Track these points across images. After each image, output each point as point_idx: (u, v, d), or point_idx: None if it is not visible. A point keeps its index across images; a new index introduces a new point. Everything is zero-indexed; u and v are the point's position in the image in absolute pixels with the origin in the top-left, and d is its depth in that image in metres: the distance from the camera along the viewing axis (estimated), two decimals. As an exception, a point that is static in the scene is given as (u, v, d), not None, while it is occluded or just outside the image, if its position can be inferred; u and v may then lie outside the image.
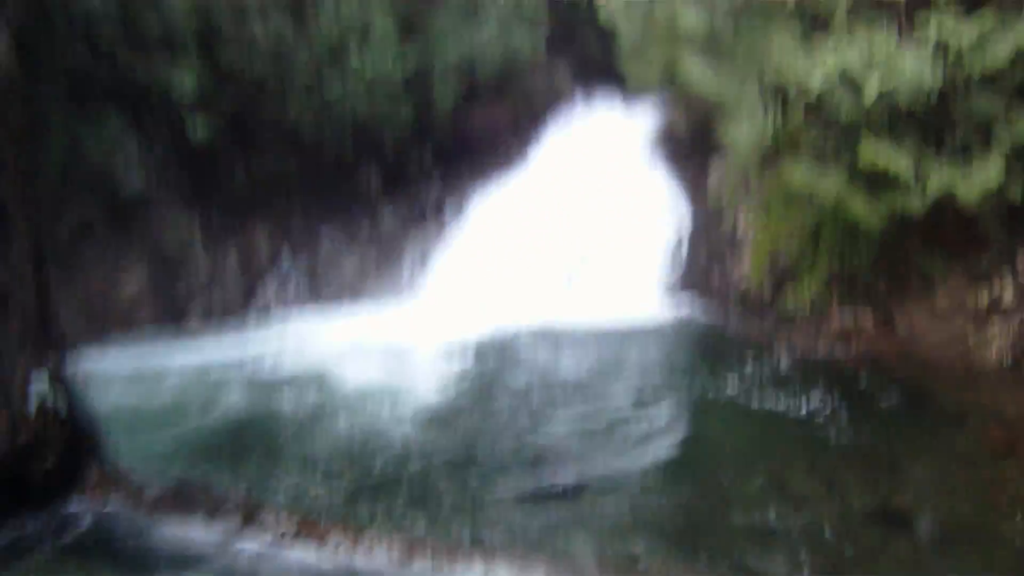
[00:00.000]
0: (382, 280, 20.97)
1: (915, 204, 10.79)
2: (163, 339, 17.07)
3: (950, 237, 11.90)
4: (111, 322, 17.41)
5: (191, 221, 19.62)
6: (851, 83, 10.74)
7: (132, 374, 13.93)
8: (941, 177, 10.42)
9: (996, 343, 10.99)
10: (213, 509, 7.41)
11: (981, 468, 8.30)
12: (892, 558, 6.86)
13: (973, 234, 11.42)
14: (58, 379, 7.58)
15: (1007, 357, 10.79)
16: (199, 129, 18.68)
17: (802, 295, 13.89)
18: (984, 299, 11.39)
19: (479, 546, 7.06)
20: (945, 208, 10.76)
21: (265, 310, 19.83)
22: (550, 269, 19.30)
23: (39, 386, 7.53)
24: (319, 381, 13.07)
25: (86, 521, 7.28)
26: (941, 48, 10.06)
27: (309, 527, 7.03)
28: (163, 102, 18.45)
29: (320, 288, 20.82)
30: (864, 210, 11.53)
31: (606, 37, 23.45)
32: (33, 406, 7.48)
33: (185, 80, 18.20)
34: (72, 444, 7.68)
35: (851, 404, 10.25)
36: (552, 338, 15.38)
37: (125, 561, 6.83)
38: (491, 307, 17.62)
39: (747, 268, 15.83)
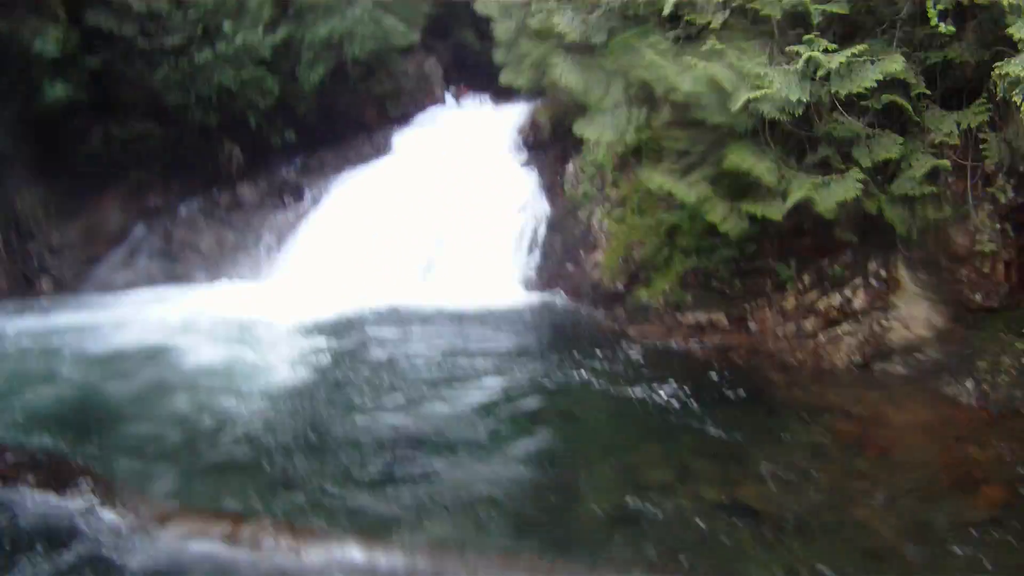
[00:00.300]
0: (238, 259, 20.62)
1: (774, 211, 11.10)
2: (11, 307, 16.50)
3: (805, 242, 12.35)
4: None
5: (43, 186, 19.05)
6: (720, 91, 10.95)
7: None
8: (801, 188, 10.74)
9: (845, 344, 11.43)
10: (70, 483, 7.24)
11: (830, 461, 8.57)
12: (746, 546, 7.02)
13: (828, 240, 11.85)
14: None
15: (856, 358, 11.23)
16: (56, 90, 18.07)
17: (656, 290, 14.20)
18: (835, 302, 11.84)
19: (331, 528, 7.02)
20: (802, 215, 11.12)
21: (115, 282, 19.23)
22: (409, 254, 19.20)
23: None
24: (166, 354, 12.77)
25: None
26: (810, 68, 10.39)
27: (161, 509, 7.02)
28: (19, 60, 17.74)
29: (173, 263, 20.41)
30: (723, 214, 11.82)
31: (482, 30, 23.57)
32: None
33: (47, 41, 17.54)
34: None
35: (701, 396, 10.47)
36: (408, 320, 15.35)
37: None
38: (348, 289, 17.45)
39: (601, 260, 16.09)
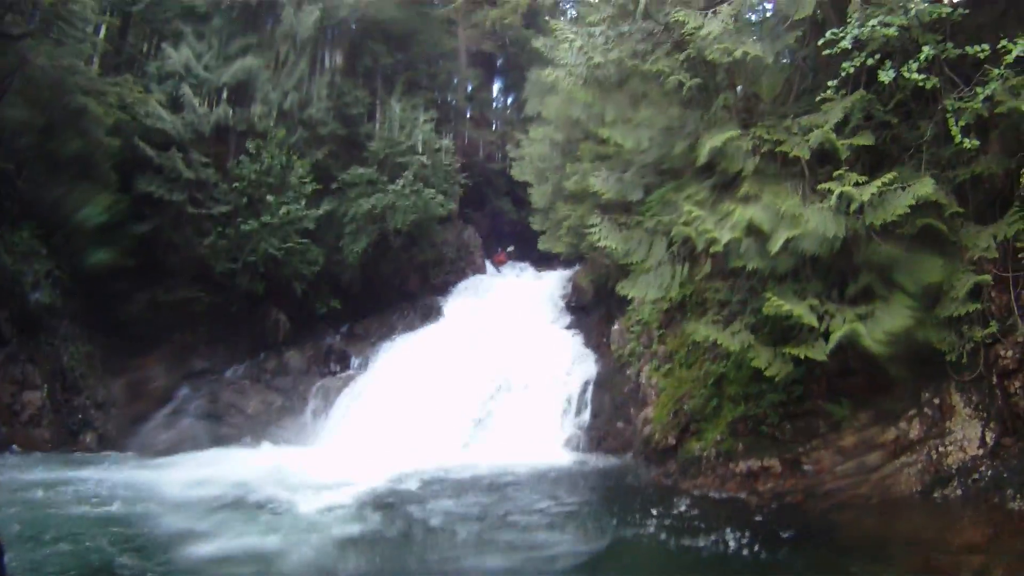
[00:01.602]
0: (284, 423, 20.70)
1: (818, 353, 10.95)
2: (55, 460, 16.42)
3: (856, 381, 12.15)
4: (13, 434, 17.10)
5: (91, 342, 19.50)
6: (758, 235, 11.01)
7: (27, 489, 13.56)
8: (844, 323, 10.61)
9: (904, 475, 11.07)
10: None
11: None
12: None
13: (877, 378, 11.67)
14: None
15: (916, 487, 10.88)
16: (100, 255, 18.80)
17: (707, 441, 13.94)
18: (891, 435, 11.55)
19: None
20: (848, 354, 10.95)
21: (158, 442, 19.35)
22: (456, 419, 19.16)
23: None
24: (200, 532, 12.01)
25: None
26: (843, 202, 10.45)
27: None
28: (67, 223, 18.58)
29: (219, 425, 20.57)
30: (768, 359, 11.69)
31: (518, 196, 24.23)
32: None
33: (95, 208, 18.44)
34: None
35: (758, 544, 10.17)
36: (457, 485, 15.11)
37: None
38: (394, 453, 17.26)
39: (652, 415, 15.88)
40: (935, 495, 10.59)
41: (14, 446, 16.72)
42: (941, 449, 10.81)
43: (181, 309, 21.30)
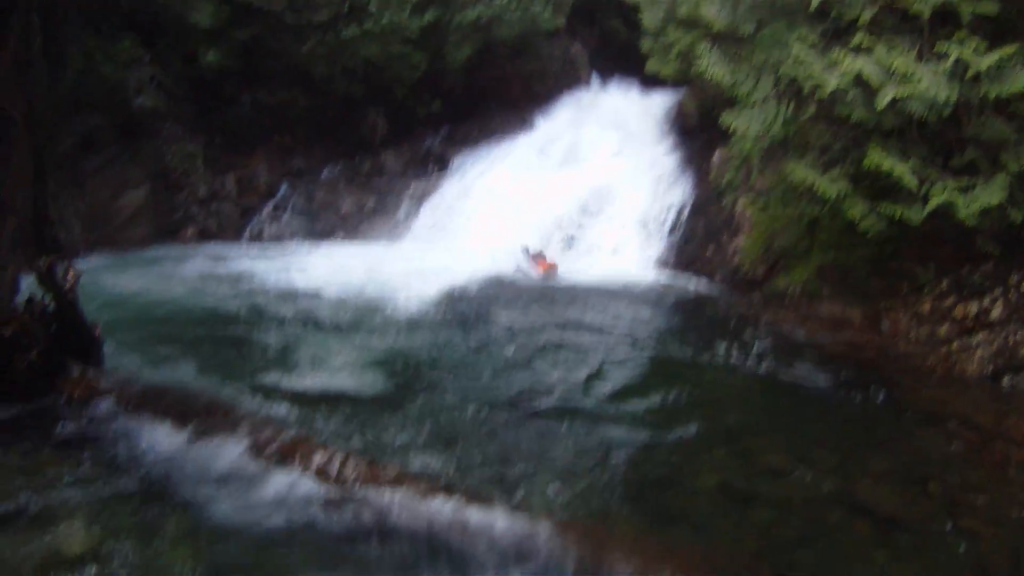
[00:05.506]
0: (376, 222, 21.33)
1: (914, 215, 10.89)
2: (160, 252, 17.60)
3: (945, 248, 12.01)
4: (112, 233, 18.04)
5: (195, 142, 20.20)
6: (866, 88, 10.81)
7: (128, 282, 14.34)
8: (944, 192, 10.51)
9: (978, 354, 11.11)
10: (195, 413, 7.49)
11: (948, 469, 8.24)
12: (853, 543, 6.82)
13: (968, 248, 11.56)
14: (50, 280, 7.69)
15: (987, 369, 10.89)
16: (210, 56, 19.54)
17: (794, 280, 14.08)
18: (972, 310, 11.56)
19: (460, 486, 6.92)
20: (943, 220, 10.89)
21: (260, 235, 20.44)
22: (550, 228, 19.66)
23: (30, 285, 7.73)
24: (309, 308, 13.31)
25: (69, 417, 7.39)
26: (959, 68, 10.17)
27: (289, 444, 7.00)
28: (178, 29, 19.28)
29: (315, 222, 21.25)
30: (863, 213, 11.68)
31: (629, 17, 23.53)
32: (19, 302, 7.67)
33: (202, 13, 19.00)
34: (59, 341, 7.81)
35: (827, 389, 10.43)
36: (543, 293, 15.63)
37: (104, 459, 6.92)
38: (485, 257, 17.86)
39: (742, 247, 16.03)
40: (1003, 381, 10.68)
41: (116, 245, 17.78)
42: (1019, 335, 10.79)
43: (280, 112, 21.83)
